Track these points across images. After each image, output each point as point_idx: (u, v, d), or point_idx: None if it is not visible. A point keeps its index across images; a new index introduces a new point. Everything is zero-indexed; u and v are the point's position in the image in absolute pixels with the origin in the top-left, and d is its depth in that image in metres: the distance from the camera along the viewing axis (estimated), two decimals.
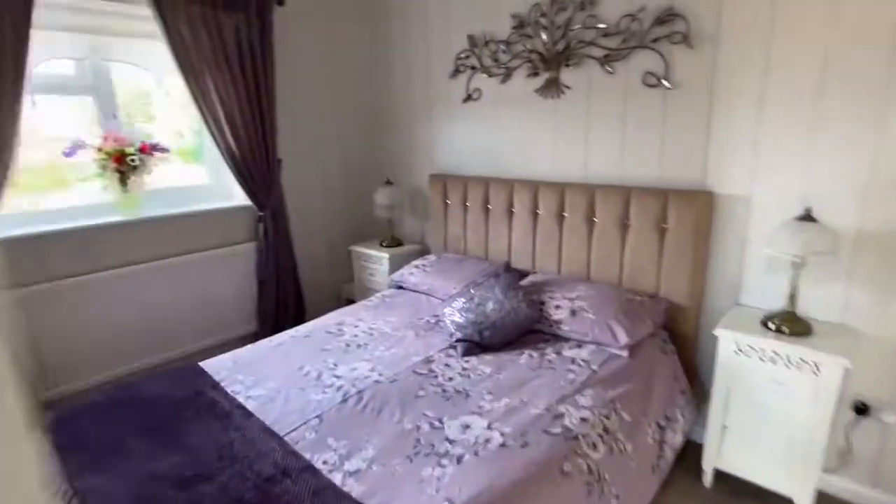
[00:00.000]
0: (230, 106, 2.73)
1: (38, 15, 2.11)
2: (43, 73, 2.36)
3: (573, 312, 2.07)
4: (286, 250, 3.14)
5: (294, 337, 2.25)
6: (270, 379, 1.89)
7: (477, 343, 2.07)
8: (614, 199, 2.26)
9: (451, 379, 1.85)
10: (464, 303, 2.22)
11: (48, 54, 2.34)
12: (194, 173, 3.03)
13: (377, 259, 3.16)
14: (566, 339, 2.08)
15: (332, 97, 3.34)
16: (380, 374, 1.89)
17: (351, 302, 3.28)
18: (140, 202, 2.66)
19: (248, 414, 1.65)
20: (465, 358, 2.01)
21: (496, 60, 2.63)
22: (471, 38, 2.71)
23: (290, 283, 3.16)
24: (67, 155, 2.40)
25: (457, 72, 2.83)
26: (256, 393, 1.80)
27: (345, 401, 1.72)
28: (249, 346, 2.21)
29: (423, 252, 3.25)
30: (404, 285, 2.78)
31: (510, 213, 2.68)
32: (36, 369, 2.32)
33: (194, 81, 2.58)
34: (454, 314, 2.20)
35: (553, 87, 2.43)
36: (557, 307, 2.12)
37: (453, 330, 2.16)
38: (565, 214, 2.46)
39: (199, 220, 2.85)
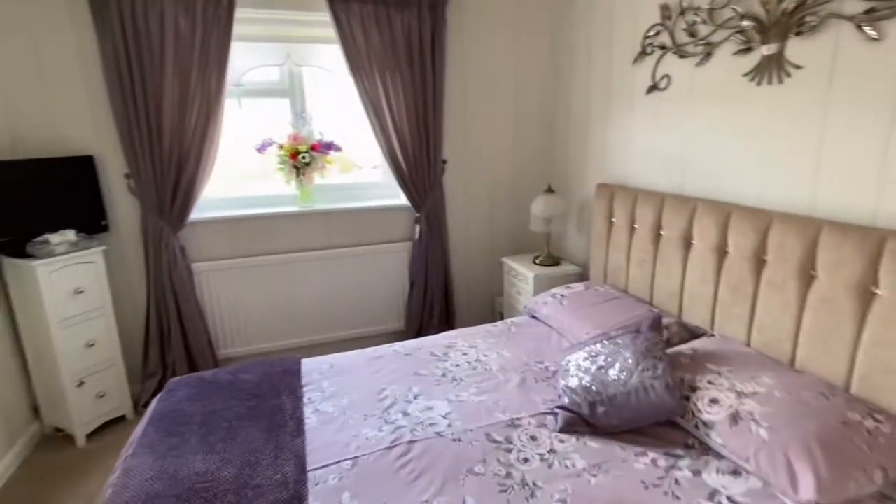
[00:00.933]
0: (396, 104, 2.73)
1: (238, 29, 2.44)
2: (253, 80, 2.74)
3: (735, 418, 1.35)
4: (440, 253, 3.04)
5: (397, 352, 2.10)
6: (347, 395, 1.78)
7: (584, 419, 1.55)
8: (856, 245, 1.39)
9: (526, 461, 1.42)
10: (584, 358, 1.70)
11: (254, 63, 2.70)
12: (372, 171, 3.17)
13: (522, 277, 2.78)
14: (718, 456, 1.38)
15: (505, 94, 3.05)
16: (448, 425, 1.58)
17: (502, 317, 3.00)
18: (314, 195, 2.90)
19: (299, 432, 1.56)
20: (561, 434, 1.53)
21: (693, 35, 1.93)
22: (664, 7, 2.05)
23: (438, 287, 3.05)
24: (259, 150, 2.76)
25: (643, 54, 2.20)
26: (325, 408, 1.71)
27: (390, 448, 1.48)
28: (356, 351, 2.16)
29: (583, 277, 2.71)
30: (536, 315, 2.35)
31: (687, 245, 1.97)
32: (215, 332, 2.77)
33: (362, 80, 2.65)
34: (569, 370, 1.71)
35: (773, 67, 1.63)
36: (713, 402, 1.42)
37: (560, 392, 1.68)
38: (767, 258, 1.66)
39: (363, 215, 2.97)
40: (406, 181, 2.87)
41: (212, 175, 2.59)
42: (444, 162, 2.98)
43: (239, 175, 2.92)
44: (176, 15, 2.31)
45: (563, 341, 2.10)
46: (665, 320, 1.88)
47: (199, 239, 2.69)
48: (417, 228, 2.97)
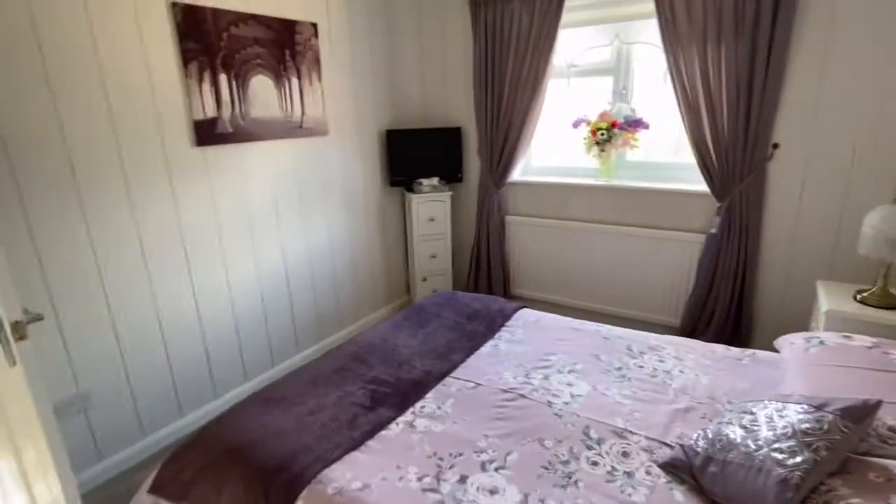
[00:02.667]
0: (714, 79, 2.44)
1: (569, 17, 2.78)
2: (589, 61, 3.03)
3: None
4: (738, 254, 2.59)
5: (598, 332, 2.16)
6: (525, 345, 2.07)
7: (692, 469, 1.32)
8: None
9: (593, 464, 1.41)
10: (752, 411, 1.37)
11: (584, 45, 2.97)
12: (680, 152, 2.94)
13: (822, 310, 2.05)
14: None
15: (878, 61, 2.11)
16: (566, 403, 1.67)
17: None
18: (614, 171, 3.01)
19: (469, 353, 2.03)
20: (658, 469, 1.38)
21: None
22: None
23: (724, 293, 2.63)
24: (574, 126, 3.08)
25: None
26: (502, 346, 2.08)
27: (504, 391, 1.74)
28: (567, 318, 2.34)
29: None
30: (781, 353, 1.79)
31: None
32: (512, 272, 3.42)
33: (676, 53, 2.50)
34: (730, 418, 1.42)
35: None
36: None
37: (699, 431, 1.43)
38: None
39: (658, 197, 2.86)
40: (709, 166, 2.56)
41: (529, 145, 3.14)
42: (775, 146, 2.44)
43: (558, 146, 3.34)
44: (521, 12, 2.87)
45: (782, 391, 1.61)
46: None
47: (514, 197, 3.35)
48: (717, 221, 2.62)
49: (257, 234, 2.57)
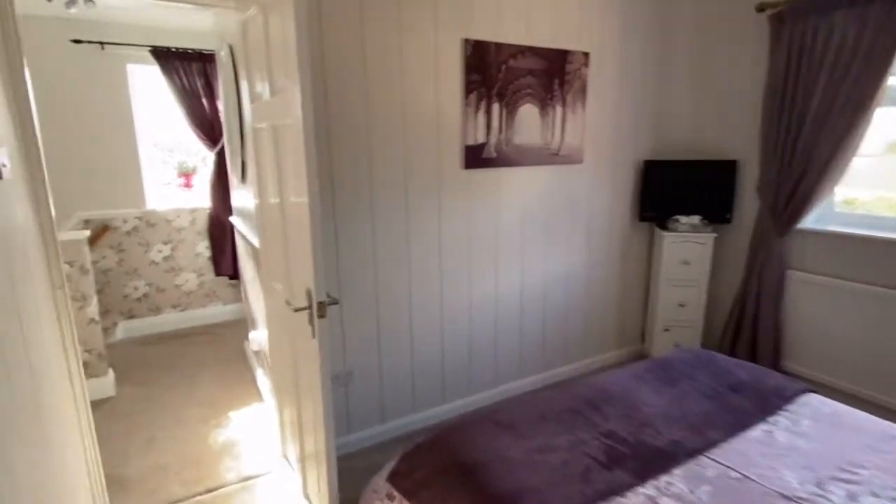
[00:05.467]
0: None
1: None
2: None
3: None
4: None
5: None
6: (815, 442, 1.60)
7: None
8: None
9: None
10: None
11: None
12: None
13: None
14: None
15: None
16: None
17: None
18: None
19: (730, 434, 1.66)
20: None
21: None
22: None
23: None
24: None
25: None
26: (780, 437, 1.64)
27: (787, 499, 1.34)
28: (876, 419, 1.71)
29: None
30: None
31: None
32: (786, 341, 2.75)
33: None
34: None
35: None
36: None
37: None
38: None
39: None
40: None
41: (834, 187, 2.49)
42: None
43: (876, 187, 2.56)
44: (845, 26, 2.31)
45: None
46: None
47: (802, 247, 2.70)
48: None
49: (501, 255, 2.65)
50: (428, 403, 2.57)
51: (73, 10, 2.80)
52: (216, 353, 3.46)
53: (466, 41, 2.28)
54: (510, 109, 2.48)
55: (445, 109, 2.31)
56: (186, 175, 4.25)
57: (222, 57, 2.74)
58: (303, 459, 1.92)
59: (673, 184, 3.03)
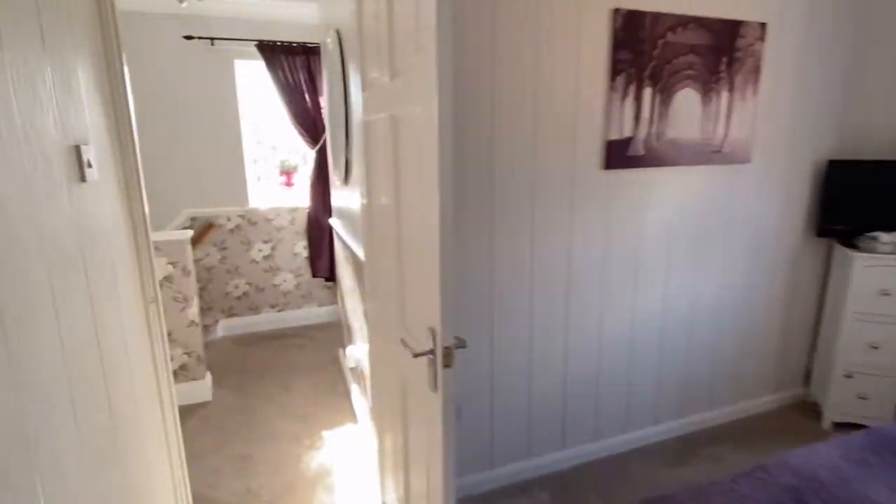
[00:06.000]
0: None
1: None
2: None
3: None
4: None
5: None
6: None
7: None
8: None
9: None
10: None
11: None
12: None
13: None
14: None
15: None
16: None
17: None
18: None
19: None
20: None
21: None
22: None
23: None
24: None
25: None
26: None
27: None
28: None
29: None
30: None
31: None
32: None
33: None
34: None
35: None
36: None
37: None
38: None
39: None
40: None
41: None
42: None
43: None
44: None
45: None
46: None
47: None
48: None
49: (640, 275, 2.17)
50: (546, 448, 2.16)
51: (184, 4, 2.73)
52: (310, 359, 3.31)
53: (616, 11, 1.83)
54: (665, 96, 1.99)
55: (585, 96, 1.88)
56: (287, 173, 4.18)
57: (328, 45, 2.51)
58: None
59: (867, 191, 2.35)
